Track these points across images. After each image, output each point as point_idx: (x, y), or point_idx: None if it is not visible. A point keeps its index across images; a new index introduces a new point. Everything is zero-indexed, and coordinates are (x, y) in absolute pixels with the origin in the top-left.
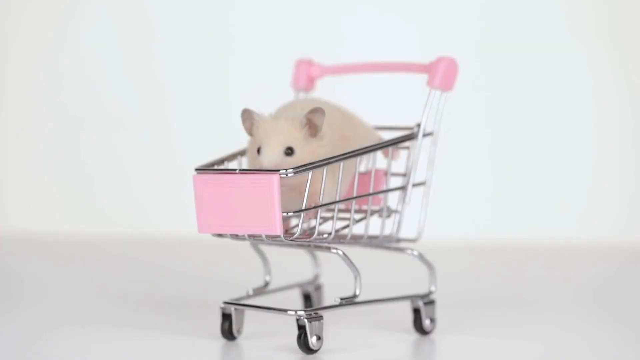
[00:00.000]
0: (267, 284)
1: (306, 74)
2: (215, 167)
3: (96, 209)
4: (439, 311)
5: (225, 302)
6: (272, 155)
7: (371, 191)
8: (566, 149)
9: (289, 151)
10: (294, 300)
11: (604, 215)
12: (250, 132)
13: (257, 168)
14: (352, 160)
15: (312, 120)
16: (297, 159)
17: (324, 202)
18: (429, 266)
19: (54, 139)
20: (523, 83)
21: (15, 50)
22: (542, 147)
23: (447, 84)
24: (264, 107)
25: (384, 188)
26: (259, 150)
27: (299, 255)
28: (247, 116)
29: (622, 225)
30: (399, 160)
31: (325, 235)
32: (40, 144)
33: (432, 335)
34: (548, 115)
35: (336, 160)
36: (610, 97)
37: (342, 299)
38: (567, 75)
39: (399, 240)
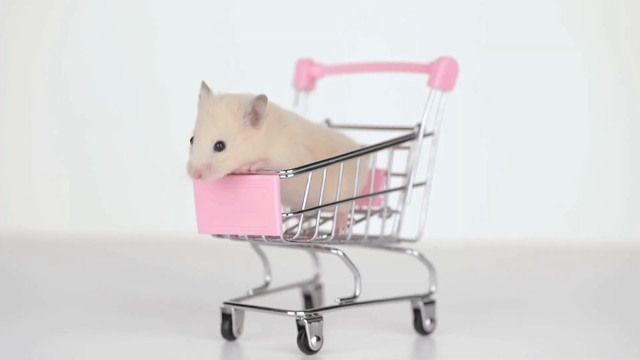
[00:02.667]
0: (267, 284)
1: (307, 74)
2: None
3: (96, 209)
4: (439, 311)
5: (225, 303)
6: (200, 153)
7: (371, 191)
8: (565, 149)
9: (220, 145)
10: (295, 300)
11: (603, 216)
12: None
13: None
14: (362, 159)
15: (256, 108)
16: (228, 153)
17: (324, 203)
18: (429, 266)
19: (58, 139)
20: (522, 83)
21: (18, 51)
22: (541, 147)
23: (447, 84)
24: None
25: (384, 188)
26: (191, 140)
27: (299, 255)
28: (200, 89)
29: (621, 226)
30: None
31: (325, 236)
32: (44, 144)
33: (432, 336)
34: (547, 116)
35: (336, 161)
36: (607, 97)
37: (342, 299)
38: (565, 75)
39: (399, 240)
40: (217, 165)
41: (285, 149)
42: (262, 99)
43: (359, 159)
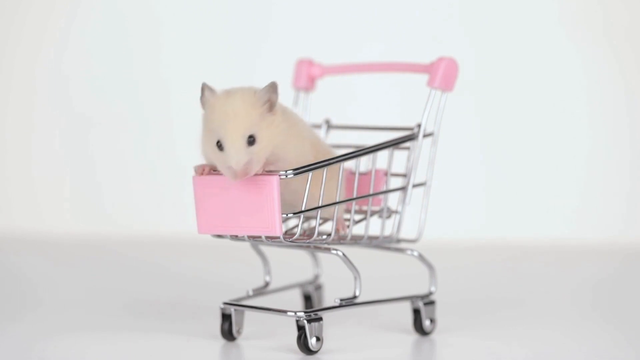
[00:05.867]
0: (267, 284)
1: (307, 74)
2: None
3: (96, 209)
4: (439, 311)
5: (225, 303)
6: (239, 155)
7: (371, 192)
8: (564, 150)
9: (251, 139)
10: (294, 300)
11: (603, 216)
12: (205, 107)
13: (222, 166)
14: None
15: (269, 97)
16: (259, 145)
17: (323, 204)
18: (429, 267)
19: (58, 139)
20: (522, 83)
21: (21, 50)
22: (541, 147)
23: (447, 84)
24: None
25: (384, 189)
26: (218, 145)
27: (299, 256)
28: (202, 90)
29: (620, 226)
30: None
31: (325, 237)
32: (45, 143)
33: (432, 336)
34: (547, 116)
35: (337, 161)
36: (606, 97)
37: (341, 299)
38: (565, 75)
39: (399, 240)
40: (254, 158)
41: (296, 143)
42: (274, 86)
43: (341, 164)
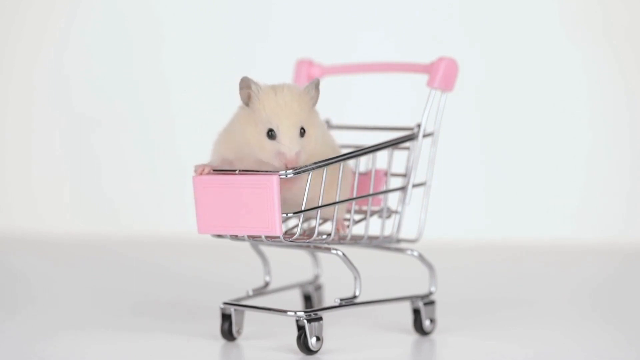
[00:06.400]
0: (267, 284)
1: (306, 74)
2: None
3: (97, 209)
4: (439, 311)
5: (225, 303)
6: (292, 143)
7: (371, 192)
8: (564, 150)
9: (303, 131)
10: (294, 300)
11: (603, 216)
12: (247, 102)
13: (270, 153)
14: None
15: (314, 93)
16: (308, 138)
17: (323, 204)
18: (429, 267)
19: (58, 138)
20: (522, 83)
21: (21, 50)
22: (540, 147)
23: (447, 84)
24: None
25: (384, 188)
26: (270, 134)
27: (299, 256)
28: (245, 84)
29: (620, 226)
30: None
31: (324, 237)
32: (45, 143)
33: (432, 336)
34: (546, 116)
35: (337, 161)
36: (606, 97)
37: (341, 299)
38: (565, 75)
39: (399, 240)
40: (303, 150)
41: (327, 141)
42: (317, 83)
43: (341, 163)
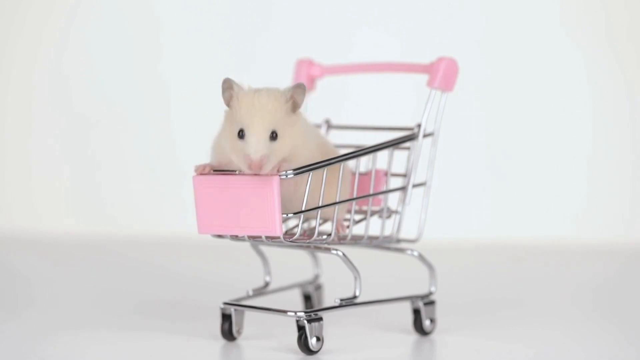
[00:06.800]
0: (267, 284)
1: (306, 74)
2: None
3: (96, 209)
4: (439, 311)
5: (225, 303)
6: (259, 145)
7: (371, 192)
8: (564, 150)
9: (274, 135)
10: (294, 300)
11: (603, 216)
12: (228, 103)
13: (239, 154)
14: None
15: (295, 96)
16: (280, 142)
17: (324, 204)
18: (429, 267)
19: (58, 138)
20: (523, 83)
21: (21, 50)
22: (541, 147)
23: (447, 85)
24: None
25: (384, 189)
26: (240, 134)
27: (299, 256)
28: (228, 86)
29: (621, 226)
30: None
31: (325, 237)
32: (44, 143)
33: (432, 336)
34: (547, 116)
35: (337, 161)
36: (608, 98)
37: (341, 300)
38: (566, 76)
39: (399, 240)
40: (273, 154)
41: (311, 147)
42: (301, 87)
43: (342, 163)
